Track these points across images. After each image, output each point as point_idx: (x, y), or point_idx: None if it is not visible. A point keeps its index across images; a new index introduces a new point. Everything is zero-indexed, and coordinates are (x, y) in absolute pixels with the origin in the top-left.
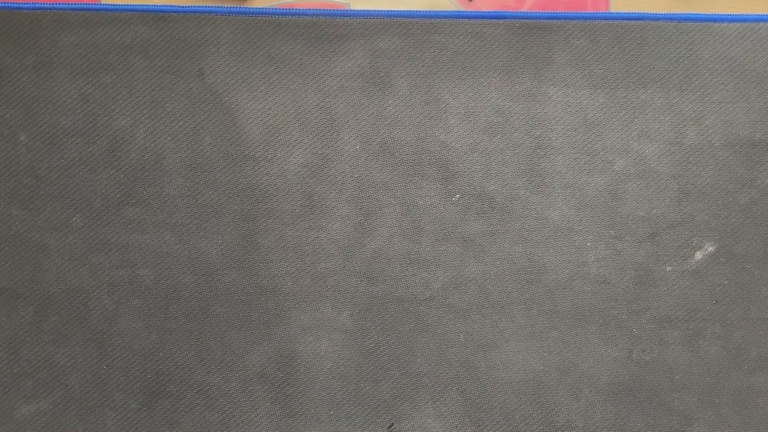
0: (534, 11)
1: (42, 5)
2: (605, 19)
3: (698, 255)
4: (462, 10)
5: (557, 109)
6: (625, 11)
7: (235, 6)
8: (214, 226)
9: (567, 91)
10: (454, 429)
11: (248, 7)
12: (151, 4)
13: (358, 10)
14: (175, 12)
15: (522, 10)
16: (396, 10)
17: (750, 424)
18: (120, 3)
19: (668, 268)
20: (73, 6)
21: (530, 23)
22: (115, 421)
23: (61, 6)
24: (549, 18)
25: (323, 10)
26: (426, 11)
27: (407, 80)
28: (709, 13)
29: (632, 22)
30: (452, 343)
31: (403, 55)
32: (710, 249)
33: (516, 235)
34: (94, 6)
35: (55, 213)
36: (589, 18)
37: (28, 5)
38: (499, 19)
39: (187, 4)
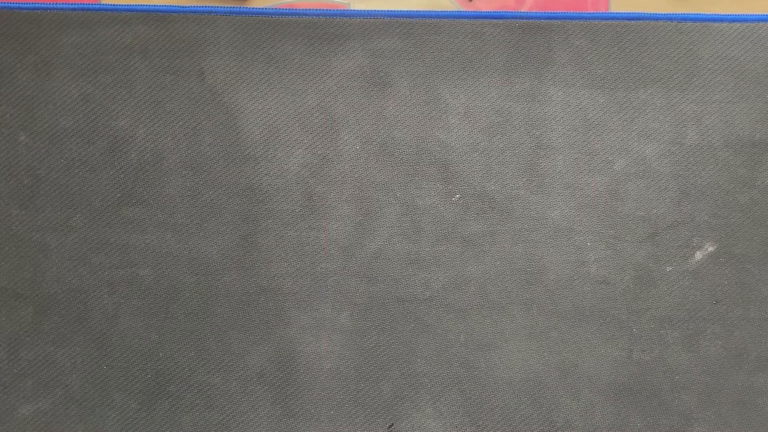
0: (534, 11)
1: (42, 5)
2: (605, 19)
3: (698, 255)
4: (462, 10)
5: (557, 109)
6: (625, 11)
7: (235, 6)
8: (214, 226)
9: (567, 91)
10: (454, 429)
11: (248, 7)
12: (151, 4)
13: (358, 10)
14: (175, 12)
15: (522, 10)
16: (396, 10)
17: (750, 424)
18: (120, 3)
19: (668, 268)
20: (73, 6)
21: (530, 23)
22: (115, 421)
23: (61, 6)
24: (549, 18)
25: (323, 10)
26: (426, 11)
27: (407, 80)
28: (709, 13)
29: (632, 22)
30: (452, 343)
31: (403, 55)
32: (710, 249)
33: (516, 235)
34: (94, 6)
35: (55, 213)
36: (589, 18)
37: (28, 5)
38: (499, 19)
39: (187, 4)
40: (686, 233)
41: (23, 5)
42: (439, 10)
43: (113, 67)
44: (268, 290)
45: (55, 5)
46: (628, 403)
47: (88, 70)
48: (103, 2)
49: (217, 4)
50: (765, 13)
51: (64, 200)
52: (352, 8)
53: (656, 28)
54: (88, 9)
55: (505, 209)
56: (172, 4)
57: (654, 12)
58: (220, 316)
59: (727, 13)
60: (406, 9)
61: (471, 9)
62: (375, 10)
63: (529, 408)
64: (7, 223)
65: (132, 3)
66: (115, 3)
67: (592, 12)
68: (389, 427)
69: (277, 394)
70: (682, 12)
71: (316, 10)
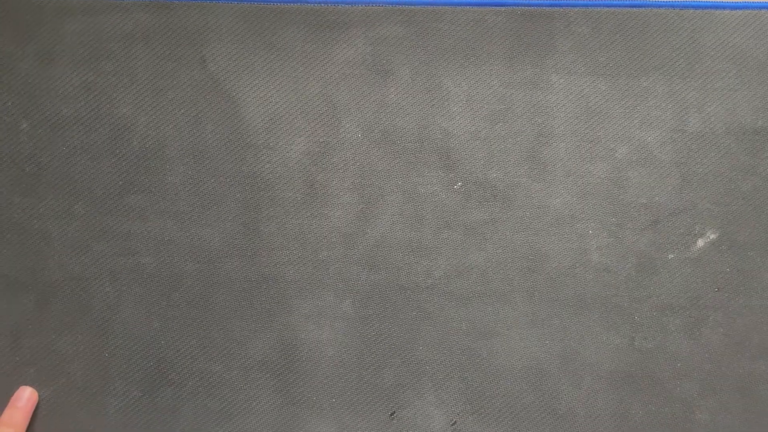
0: None
1: None
2: (607, 6)
3: (700, 242)
4: None
5: (559, 97)
6: None
7: None
8: (216, 214)
9: (569, 79)
10: (456, 416)
11: None
12: None
13: None
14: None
15: None
16: None
17: (751, 411)
18: None
19: (670, 256)
20: None
21: (532, 10)
22: (117, 409)
23: None
24: (551, 5)
25: None
26: None
27: (409, 68)
28: (711, 0)
29: (634, 9)
30: (454, 331)
31: (405, 43)
32: (712, 236)
33: (518, 222)
34: None
35: (57, 201)
36: (591, 5)
37: None
38: (501, 6)
39: None
40: (688, 221)
41: None
42: None
43: (115, 54)
44: (270, 278)
45: None
46: (630, 390)
47: (90, 57)
48: None
49: None
50: (767, 1)
51: (66, 188)
52: None
53: (658, 16)
54: None
55: (506, 197)
56: None
57: None
58: (222, 304)
59: (730, 0)
60: None
61: None
62: None
63: (531, 395)
64: (9, 211)
65: None
66: None
67: None
68: (391, 415)
69: (279, 382)
70: None
71: None
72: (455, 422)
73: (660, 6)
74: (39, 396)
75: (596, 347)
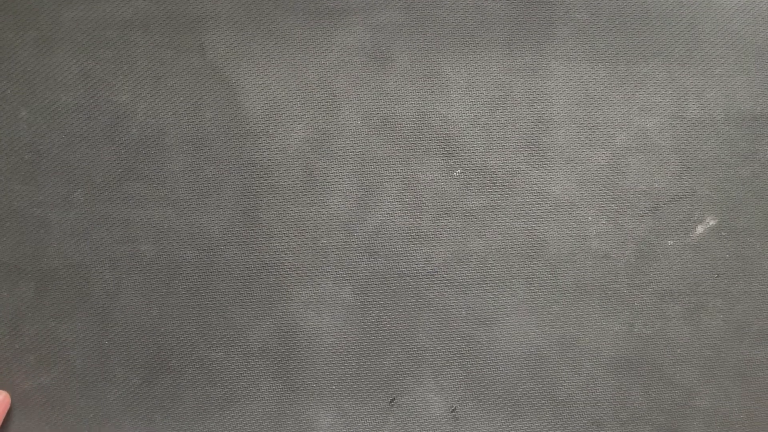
0: None
1: None
2: None
3: (700, 228)
4: None
5: (559, 83)
6: None
7: None
8: (216, 201)
9: (568, 65)
10: (456, 403)
11: None
12: None
13: None
14: None
15: None
16: None
17: (751, 397)
18: None
19: (670, 242)
20: None
21: None
22: (117, 396)
23: None
24: None
25: None
26: None
27: (408, 54)
28: None
29: None
30: (453, 318)
31: (404, 30)
32: (712, 222)
33: (517, 209)
34: None
35: (56, 188)
36: None
37: None
38: None
39: None
40: (688, 207)
41: None
42: None
43: (114, 42)
44: (270, 265)
45: None
46: (630, 376)
47: (89, 45)
48: None
49: None
50: None
51: (65, 176)
52: None
53: (657, 2)
54: None
55: (506, 184)
56: None
57: None
58: (221, 291)
59: None
60: None
61: None
62: None
63: (530, 382)
64: (9, 199)
65: None
66: None
67: None
68: (391, 402)
69: (279, 369)
70: None
71: None
72: (455, 408)
73: None
74: (38, 383)
75: (596, 334)
